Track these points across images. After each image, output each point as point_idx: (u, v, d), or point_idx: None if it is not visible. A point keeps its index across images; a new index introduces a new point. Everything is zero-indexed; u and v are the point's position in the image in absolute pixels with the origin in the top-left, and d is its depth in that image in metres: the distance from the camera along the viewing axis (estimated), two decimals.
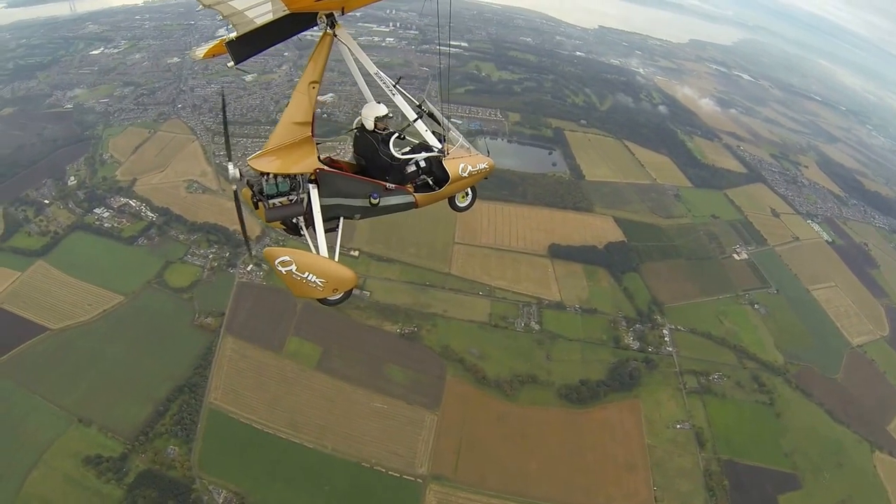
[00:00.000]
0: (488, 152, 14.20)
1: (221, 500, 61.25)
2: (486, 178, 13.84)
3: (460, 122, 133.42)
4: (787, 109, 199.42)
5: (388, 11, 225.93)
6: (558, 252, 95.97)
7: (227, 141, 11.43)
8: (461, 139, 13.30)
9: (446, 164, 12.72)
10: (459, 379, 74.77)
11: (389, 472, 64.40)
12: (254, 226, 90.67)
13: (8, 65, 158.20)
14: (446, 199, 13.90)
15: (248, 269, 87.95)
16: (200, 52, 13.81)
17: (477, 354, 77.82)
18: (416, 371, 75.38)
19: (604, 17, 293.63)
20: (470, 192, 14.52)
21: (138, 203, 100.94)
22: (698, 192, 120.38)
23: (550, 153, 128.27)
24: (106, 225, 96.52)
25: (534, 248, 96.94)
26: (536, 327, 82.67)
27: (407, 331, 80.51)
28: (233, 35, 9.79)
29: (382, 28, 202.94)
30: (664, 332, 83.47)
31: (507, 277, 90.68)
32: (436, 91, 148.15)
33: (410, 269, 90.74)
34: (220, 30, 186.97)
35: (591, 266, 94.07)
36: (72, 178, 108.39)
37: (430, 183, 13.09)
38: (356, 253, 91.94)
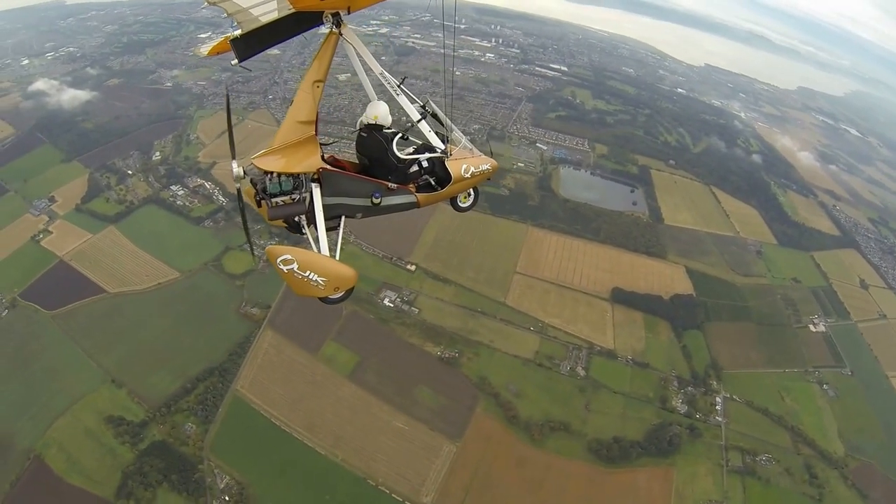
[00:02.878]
0: (491, 153, 13.88)
1: (223, 485, 61.78)
2: (488, 180, 13.73)
3: (545, 147, 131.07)
4: (893, 171, 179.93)
5: (492, 27, 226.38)
6: (620, 297, 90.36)
7: (231, 138, 10.94)
8: (464, 140, 13.14)
9: (449, 164, 12.59)
10: (489, 413, 71.17)
11: (393, 495, 62.10)
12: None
13: (123, 38, 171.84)
14: (448, 200, 13.79)
15: None
16: (205, 49, 13.31)
17: (513, 391, 74.00)
18: (447, 397, 72.43)
19: (712, 55, 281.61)
20: (472, 193, 14.35)
21: (212, 186, 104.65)
22: (783, 251, 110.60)
23: (632, 191, 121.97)
24: (178, 202, 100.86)
25: (595, 289, 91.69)
26: (582, 373, 77.72)
27: (447, 355, 77.84)
28: (237, 32, 9.69)
29: (484, 43, 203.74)
30: (717, 399, 76.23)
31: (563, 316, 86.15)
32: (528, 113, 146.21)
33: (465, 292, 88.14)
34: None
35: (653, 317, 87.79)
36: (157, 153, 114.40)
37: (433, 183, 12.92)
38: (412, 267, 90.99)
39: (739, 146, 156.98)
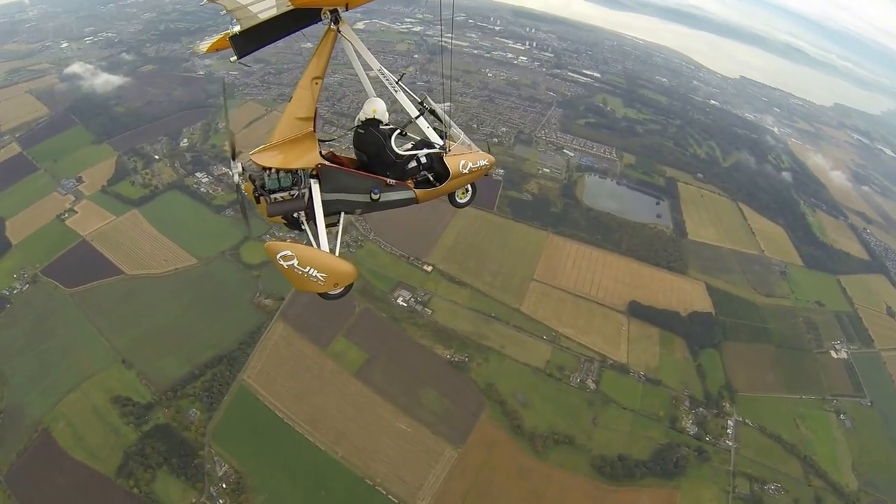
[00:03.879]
0: (489, 149, 14.12)
1: (221, 473, 62.38)
2: (486, 175, 13.89)
3: (572, 154, 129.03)
4: None
5: (527, 30, 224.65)
6: (637, 311, 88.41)
7: (230, 135, 11.55)
8: (462, 136, 13.31)
9: (447, 160, 12.76)
10: (494, 421, 70.16)
11: (389, 496, 61.62)
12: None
13: (160, 26, 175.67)
14: (446, 195, 14.02)
15: None
16: (204, 45, 13.65)
17: (521, 400, 72.87)
18: (453, 402, 71.62)
19: (748, 67, 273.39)
20: (470, 189, 14.53)
21: None
22: (808, 272, 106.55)
23: (658, 203, 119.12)
24: (202, 190, 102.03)
25: (612, 302, 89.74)
26: (592, 386, 76.12)
27: (457, 359, 77.04)
28: (236, 29, 10.06)
29: (518, 46, 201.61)
30: (729, 422, 73.80)
31: (577, 326, 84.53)
32: (557, 119, 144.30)
33: (480, 296, 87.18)
34: (370, 20, 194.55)
35: (669, 333, 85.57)
36: (185, 140, 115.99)
37: (431, 179, 13.12)
38: (429, 268, 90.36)
39: (770, 162, 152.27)
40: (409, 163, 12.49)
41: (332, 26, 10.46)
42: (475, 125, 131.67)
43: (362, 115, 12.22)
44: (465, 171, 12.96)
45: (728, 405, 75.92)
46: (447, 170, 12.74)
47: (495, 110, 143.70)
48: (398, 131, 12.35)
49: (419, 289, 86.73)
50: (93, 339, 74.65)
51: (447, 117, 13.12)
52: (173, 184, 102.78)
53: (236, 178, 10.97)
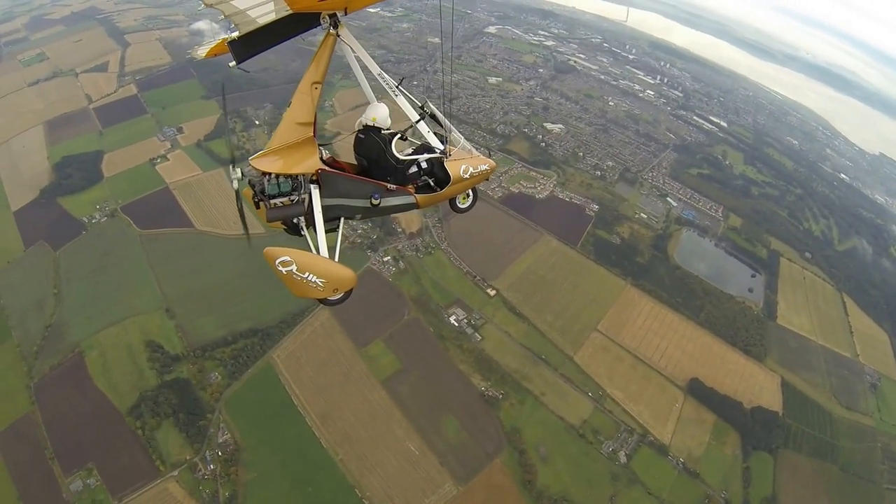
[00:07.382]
0: (489, 154, 13.91)
1: (221, 440, 63.45)
2: (486, 180, 13.87)
3: (675, 204, 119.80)
4: None
5: (661, 63, 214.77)
6: (697, 390, 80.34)
7: (228, 140, 8.80)
8: (462, 141, 13.13)
9: (448, 165, 12.63)
10: (506, 469, 65.82)
11: None
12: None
13: None
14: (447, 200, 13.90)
15: (385, 259, 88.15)
16: (202, 51, 13.52)
17: (542, 454, 67.92)
18: (471, 437, 68.05)
19: (890, 144, 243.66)
20: (471, 194, 14.28)
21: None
22: None
23: (753, 276, 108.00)
24: None
25: (672, 373, 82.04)
26: (623, 460, 69.61)
27: (491, 394, 73.21)
28: (234, 34, 9.96)
29: (648, 79, 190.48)
30: None
31: (627, 391, 77.99)
32: (668, 163, 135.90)
33: (536, 335, 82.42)
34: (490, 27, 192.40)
35: (725, 423, 76.96)
36: None
37: (432, 184, 12.98)
38: (493, 292, 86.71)
39: (891, 256, 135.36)
40: (409, 168, 12.40)
41: (332, 31, 10.31)
42: (581, 153, 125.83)
43: (363, 120, 12.01)
44: (466, 176, 12.73)
45: None
46: (448, 175, 12.51)
47: (607, 141, 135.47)
48: (398, 136, 12.24)
49: (476, 311, 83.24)
50: (146, 282, 78.25)
51: (447, 122, 12.87)
52: None
53: (235, 184, 10.80)
